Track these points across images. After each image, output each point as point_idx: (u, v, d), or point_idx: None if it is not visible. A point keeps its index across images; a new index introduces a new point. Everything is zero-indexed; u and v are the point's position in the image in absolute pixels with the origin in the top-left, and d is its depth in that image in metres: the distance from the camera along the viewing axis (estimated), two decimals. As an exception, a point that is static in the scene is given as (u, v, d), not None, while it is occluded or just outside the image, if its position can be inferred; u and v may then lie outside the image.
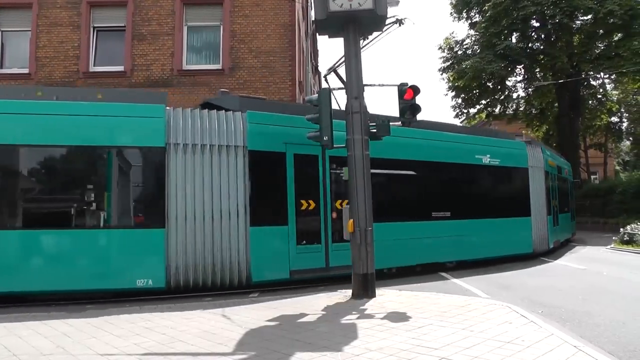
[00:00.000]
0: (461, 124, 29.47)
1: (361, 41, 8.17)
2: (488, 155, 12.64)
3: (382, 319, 5.87)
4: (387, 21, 7.98)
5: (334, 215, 9.53)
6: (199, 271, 8.25)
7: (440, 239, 11.24)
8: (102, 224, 8.10)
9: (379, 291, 7.50)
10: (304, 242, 9.19)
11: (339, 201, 9.58)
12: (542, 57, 27.23)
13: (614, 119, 35.46)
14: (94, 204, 8.07)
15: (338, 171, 9.59)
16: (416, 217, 10.91)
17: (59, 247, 7.80)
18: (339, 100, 11.09)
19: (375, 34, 8.65)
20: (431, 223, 11.17)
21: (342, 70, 8.41)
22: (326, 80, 9.93)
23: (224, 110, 8.99)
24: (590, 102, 30.86)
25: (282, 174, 9.04)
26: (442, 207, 11.46)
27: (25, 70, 14.65)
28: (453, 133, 12.46)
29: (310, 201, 9.34)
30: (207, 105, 9.50)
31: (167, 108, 8.62)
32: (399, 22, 8.71)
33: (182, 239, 8.19)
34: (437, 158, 11.48)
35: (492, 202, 12.57)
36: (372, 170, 8.27)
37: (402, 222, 10.52)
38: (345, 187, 9.02)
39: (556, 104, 29.27)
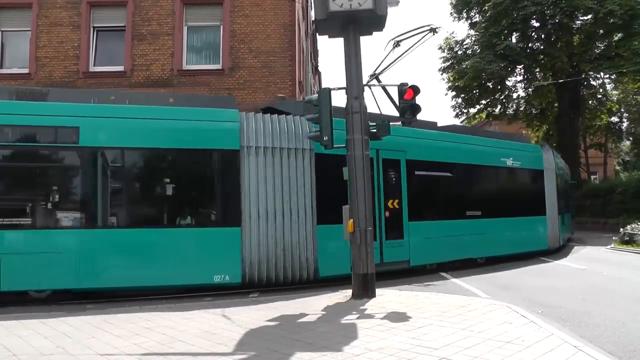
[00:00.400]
0: (461, 124, 29.46)
1: (396, 49, 8.54)
2: (511, 158, 13.52)
3: (382, 319, 5.87)
4: (422, 29, 8.45)
5: (387, 214, 10.32)
6: (272, 267, 8.77)
7: (473, 236, 11.98)
8: (183, 223, 8.64)
9: (379, 291, 7.50)
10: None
11: (390, 201, 10.42)
12: (542, 57, 27.21)
13: (614, 119, 35.43)
14: (177, 204, 8.72)
15: (390, 172, 10.52)
16: (454, 216, 11.75)
17: (144, 245, 8.21)
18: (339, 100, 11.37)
19: (409, 42, 9.30)
20: (466, 221, 11.98)
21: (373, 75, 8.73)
22: (369, 87, 10.49)
23: (291, 115, 9.53)
24: (590, 102, 30.84)
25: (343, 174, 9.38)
26: (474, 207, 12.26)
27: (25, 70, 14.65)
28: (481, 137, 13.39)
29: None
30: (269, 110, 9.88)
31: (240, 113, 9.10)
32: (433, 31, 9.19)
33: (256, 236, 8.69)
34: (470, 161, 12.33)
35: (515, 201, 13.42)
36: (418, 172, 10.32)
37: (443, 220, 11.47)
38: (395, 187, 10.51)
39: (556, 104, 29.26)
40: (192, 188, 8.92)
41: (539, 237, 14.14)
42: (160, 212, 8.67)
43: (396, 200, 10.51)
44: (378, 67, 9.39)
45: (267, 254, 8.73)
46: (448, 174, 11.79)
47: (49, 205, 8.02)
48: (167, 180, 8.66)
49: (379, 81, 9.69)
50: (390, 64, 10.99)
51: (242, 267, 8.56)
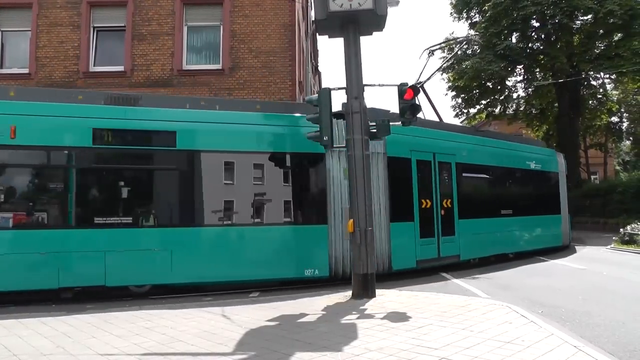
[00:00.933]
0: (461, 124, 29.47)
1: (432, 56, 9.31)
2: (534, 162, 14.88)
3: (382, 319, 5.87)
4: (459, 39, 9.23)
5: (443, 212, 11.28)
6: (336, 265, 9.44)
7: (506, 233, 13.24)
8: (279, 221, 9.31)
9: (379, 291, 7.50)
10: (424, 235, 10.71)
11: (444, 200, 11.43)
12: (542, 57, 27.21)
13: (614, 119, 35.43)
14: (271, 203, 9.33)
15: (444, 174, 11.59)
16: (493, 214, 12.88)
17: (240, 242, 8.82)
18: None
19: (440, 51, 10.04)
20: (501, 219, 13.10)
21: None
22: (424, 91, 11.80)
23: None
24: (590, 102, 30.83)
25: (409, 176, 10.64)
26: (507, 206, 13.39)
27: (25, 70, 14.65)
28: (510, 142, 14.59)
29: (427, 200, 10.96)
30: (337, 115, 10.05)
31: None
32: (468, 42, 9.86)
33: (340, 233, 9.29)
34: (503, 164, 13.64)
35: (538, 201, 14.69)
36: (465, 174, 11.73)
37: (484, 218, 12.48)
38: (448, 187, 11.58)
39: (556, 104, 29.26)
40: (289, 188, 9.50)
41: (556, 234, 15.50)
42: (255, 211, 9.18)
43: (449, 200, 11.55)
44: (420, 75, 10.54)
45: (349, 249, 9.01)
46: (487, 176, 13.11)
47: (149, 205, 8.73)
48: (260, 181, 9.34)
49: (424, 91, 10.84)
50: (433, 73, 12.06)
51: (329, 262, 9.25)
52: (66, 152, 8.22)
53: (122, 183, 8.51)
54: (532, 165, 14.72)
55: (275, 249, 8.98)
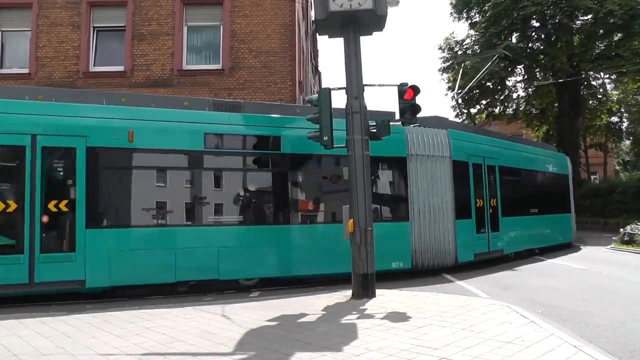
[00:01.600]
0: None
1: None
2: (550, 165, 16.38)
3: (382, 319, 5.87)
4: (492, 54, 11.06)
5: (491, 210, 12.63)
6: (430, 255, 10.64)
7: (534, 230, 14.54)
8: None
9: (379, 291, 7.50)
10: (479, 231, 12.03)
11: (492, 200, 12.73)
12: (542, 57, 27.21)
13: (614, 119, 35.42)
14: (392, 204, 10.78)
15: (490, 176, 12.82)
16: (525, 213, 14.10)
17: (337, 238, 8.67)
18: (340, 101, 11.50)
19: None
20: (530, 217, 14.34)
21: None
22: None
23: (436, 129, 11.52)
24: (590, 102, 30.83)
25: (467, 178, 11.86)
26: (534, 205, 14.64)
27: (25, 70, 14.65)
28: (531, 146, 16.35)
29: (480, 199, 12.21)
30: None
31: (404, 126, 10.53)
32: (505, 56, 11.01)
33: (419, 229, 10.52)
34: (530, 166, 15.15)
35: (555, 201, 16.04)
36: (504, 177, 13.09)
37: (519, 216, 13.77)
38: (493, 188, 12.80)
39: (556, 104, 29.26)
40: (379, 188, 10.62)
41: (568, 231, 16.93)
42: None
43: (495, 199, 12.82)
44: (456, 88, 11.68)
45: (426, 244, 10.58)
46: (519, 178, 14.32)
47: (255, 204, 9.46)
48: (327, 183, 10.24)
49: (462, 103, 12.73)
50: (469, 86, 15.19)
51: (412, 255, 10.38)
52: (181, 154, 8.76)
53: (229, 184, 9.26)
54: (550, 168, 16.21)
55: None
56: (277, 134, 9.38)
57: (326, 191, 10.05)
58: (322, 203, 9.87)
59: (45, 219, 7.70)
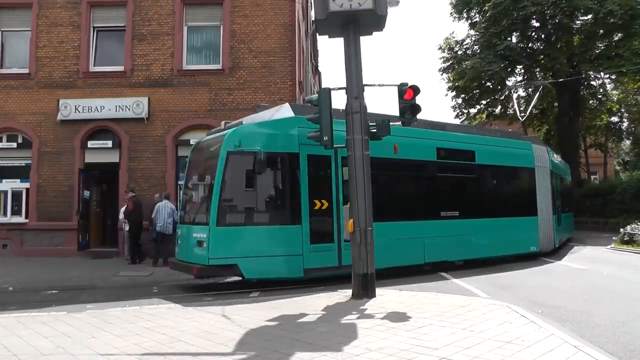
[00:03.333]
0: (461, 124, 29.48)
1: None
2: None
3: (382, 319, 5.87)
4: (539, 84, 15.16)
5: (560, 209, 16.13)
6: (545, 241, 14.15)
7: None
8: (517, 214, 13.30)
9: (379, 291, 7.49)
10: (558, 224, 15.50)
11: (558, 200, 16.14)
12: (542, 57, 27.21)
13: (614, 119, 35.41)
14: (511, 202, 13.42)
15: (557, 181, 16.13)
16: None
17: (500, 229, 12.59)
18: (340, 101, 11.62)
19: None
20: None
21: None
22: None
23: (538, 145, 15.22)
24: (590, 102, 30.83)
25: (550, 184, 14.95)
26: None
27: (25, 70, 14.66)
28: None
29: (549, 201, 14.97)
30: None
31: (528, 142, 14.75)
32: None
33: (544, 222, 14.10)
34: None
35: (505, 201, 15.92)
36: (554, 180, 16.17)
37: (562, 213, 17.05)
38: (554, 191, 15.40)
39: (556, 104, 29.24)
40: (516, 191, 14.03)
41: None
42: (506, 207, 13.07)
43: (559, 200, 16.24)
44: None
45: (543, 234, 14.01)
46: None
47: (462, 202, 12.13)
48: (505, 186, 13.88)
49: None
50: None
51: (539, 242, 13.82)
52: (424, 164, 11.60)
53: (449, 187, 12.16)
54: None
55: (517, 233, 13.11)
56: (472, 149, 12.50)
57: (507, 193, 13.65)
58: (505, 202, 13.16)
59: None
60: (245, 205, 9.26)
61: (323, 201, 9.55)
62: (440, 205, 11.61)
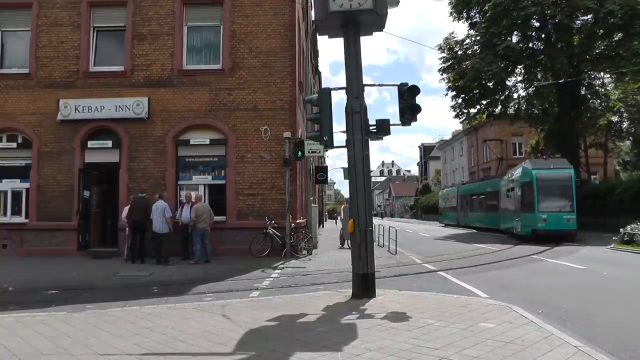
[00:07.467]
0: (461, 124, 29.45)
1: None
2: None
3: (382, 319, 5.86)
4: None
5: None
6: None
7: None
8: None
9: (379, 291, 7.49)
10: None
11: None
12: (542, 57, 27.19)
13: (614, 118, 35.37)
14: None
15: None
16: None
17: None
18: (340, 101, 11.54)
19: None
20: None
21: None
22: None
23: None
24: (591, 101, 30.79)
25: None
26: None
27: (25, 70, 14.66)
28: None
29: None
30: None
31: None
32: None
33: None
34: None
35: None
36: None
37: None
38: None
39: (556, 104, 29.20)
40: None
41: None
42: None
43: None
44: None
45: None
46: None
47: None
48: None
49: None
50: None
51: None
52: None
53: None
54: None
55: None
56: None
57: None
58: None
59: None
60: None
61: None
62: None
